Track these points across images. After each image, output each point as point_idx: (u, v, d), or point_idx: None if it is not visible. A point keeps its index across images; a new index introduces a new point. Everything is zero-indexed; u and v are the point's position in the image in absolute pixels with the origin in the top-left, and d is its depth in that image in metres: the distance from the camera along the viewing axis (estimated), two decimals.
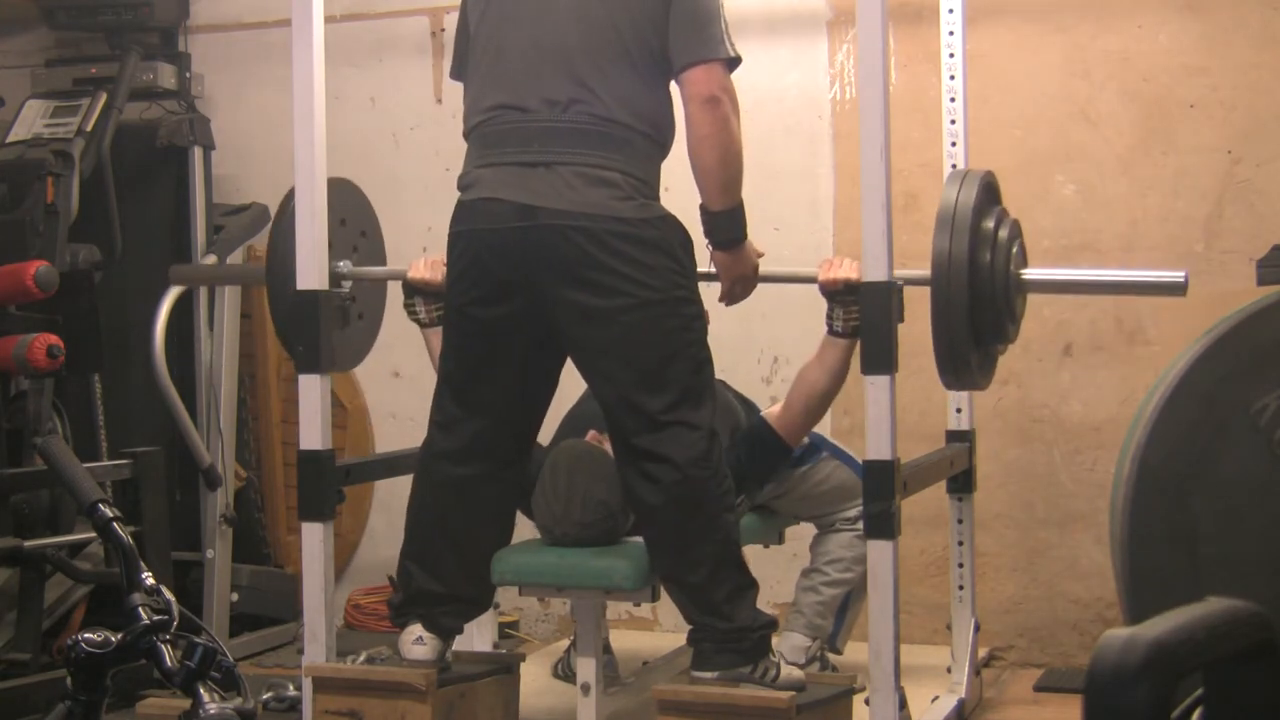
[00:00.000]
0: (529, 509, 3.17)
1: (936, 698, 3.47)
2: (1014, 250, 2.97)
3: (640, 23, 2.84)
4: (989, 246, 2.92)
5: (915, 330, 2.94)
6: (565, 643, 3.98)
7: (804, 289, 4.25)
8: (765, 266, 3.10)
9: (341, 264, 3.31)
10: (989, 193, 3.01)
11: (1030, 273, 3.04)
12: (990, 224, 2.94)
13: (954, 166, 3.62)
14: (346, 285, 3.35)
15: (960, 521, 3.65)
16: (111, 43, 4.69)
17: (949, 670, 3.60)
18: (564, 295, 2.83)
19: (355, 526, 4.81)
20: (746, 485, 3.23)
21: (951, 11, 3.64)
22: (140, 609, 1.74)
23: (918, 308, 2.92)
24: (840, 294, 3.06)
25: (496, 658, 3.30)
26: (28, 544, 3.69)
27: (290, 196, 3.20)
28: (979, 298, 2.89)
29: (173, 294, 4.29)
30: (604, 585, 2.99)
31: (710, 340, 3.00)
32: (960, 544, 3.64)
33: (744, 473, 3.19)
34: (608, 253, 2.79)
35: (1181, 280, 2.94)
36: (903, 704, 2.89)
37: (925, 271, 2.91)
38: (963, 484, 3.63)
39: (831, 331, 3.13)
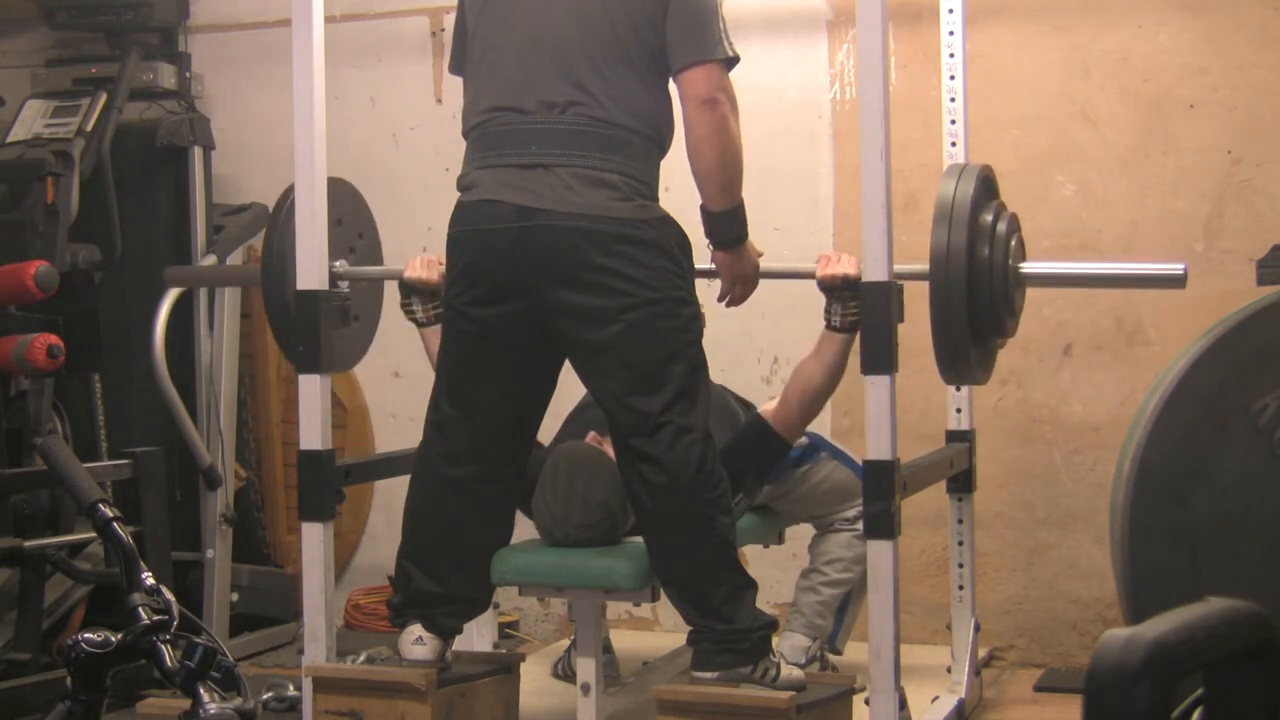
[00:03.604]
0: (529, 510, 3.17)
1: (936, 698, 3.47)
2: (1012, 244, 2.96)
3: (638, 23, 2.84)
4: (987, 240, 2.91)
5: (915, 330, 2.94)
6: (565, 643, 3.98)
7: (803, 288, 4.26)
8: (763, 263, 3.09)
9: (338, 264, 3.30)
10: (987, 186, 3.01)
11: (1029, 266, 3.02)
12: (989, 218, 2.93)
13: None
14: (344, 285, 3.34)
15: (960, 521, 3.65)
16: (111, 43, 4.69)
17: (949, 670, 3.60)
18: (562, 296, 2.83)
19: (355, 526, 4.81)
20: (745, 483, 3.22)
21: (951, 11, 3.64)
22: (140, 609, 1.74)
23: (918, 307, 2.92)
24: (838, 289, 3.05)
25: (496, 658, 3.30)
26: (28, 544, 3.69)
27: (286, 195, 3.19)
28: (977, 292, 2.87)
29: (173, 294, 4.29)
30: (604, 585, 2.98)
31: (710, 340, 3.00)
32: (960, 544, 3.64)
33: (742, 470, 3.17)
34: (606, 254, 2.79)
35: (1181, 272, 2.93)
36: (903, 704, 2.89)
37: (924, 266, 2.90)
38: (963, 484, 3.63)
39: (829, 326, 3.11)
